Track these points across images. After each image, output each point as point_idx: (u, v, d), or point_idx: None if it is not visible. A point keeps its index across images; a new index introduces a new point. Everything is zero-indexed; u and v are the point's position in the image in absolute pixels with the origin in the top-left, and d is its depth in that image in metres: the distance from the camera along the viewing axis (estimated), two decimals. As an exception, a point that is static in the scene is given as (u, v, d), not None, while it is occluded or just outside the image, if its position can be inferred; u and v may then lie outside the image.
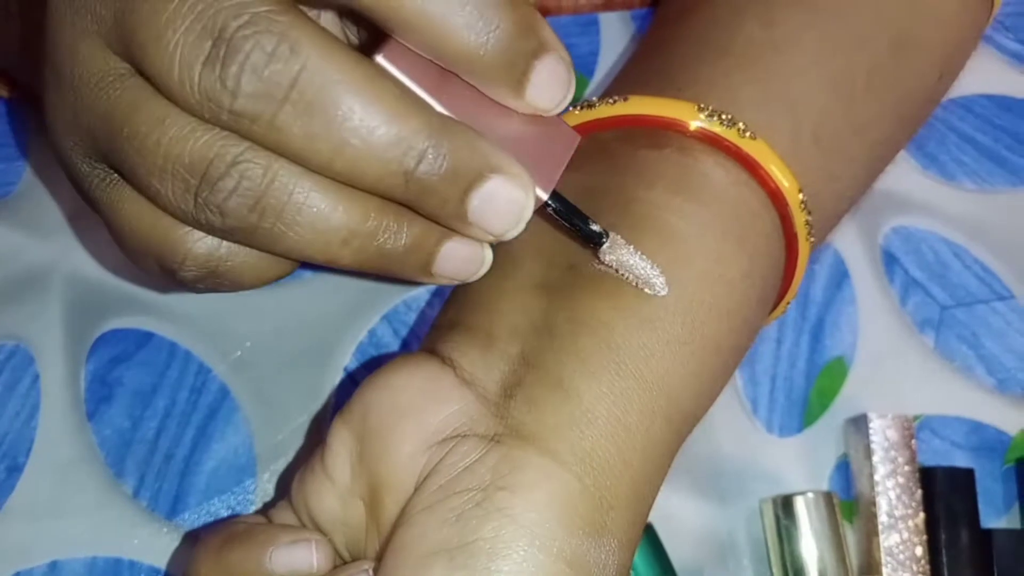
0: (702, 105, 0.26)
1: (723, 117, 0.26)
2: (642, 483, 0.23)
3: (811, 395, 0.36)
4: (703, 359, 0.25)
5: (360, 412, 0.23)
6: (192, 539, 0.32)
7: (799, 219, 0.27)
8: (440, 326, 0.26)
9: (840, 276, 0.38)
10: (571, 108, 0.29)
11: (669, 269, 0.24)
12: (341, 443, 0.24)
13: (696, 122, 0.26)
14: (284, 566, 0.23)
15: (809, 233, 0.28)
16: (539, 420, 0.22)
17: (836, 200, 0.30)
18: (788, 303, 0.30)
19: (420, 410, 0.23)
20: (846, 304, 0.37)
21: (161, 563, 0.32)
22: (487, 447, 0.22)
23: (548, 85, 0.21)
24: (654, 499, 0.24)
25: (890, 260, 0.38)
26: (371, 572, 0.22)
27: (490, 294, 0.25)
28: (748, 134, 0.26)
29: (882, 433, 0.34)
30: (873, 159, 0.31)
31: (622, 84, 0.31)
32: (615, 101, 0.28)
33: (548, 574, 0.20)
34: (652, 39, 0.33)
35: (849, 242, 0.38)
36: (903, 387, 0.36)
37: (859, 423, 0.34)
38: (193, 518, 0.32)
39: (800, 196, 0.27)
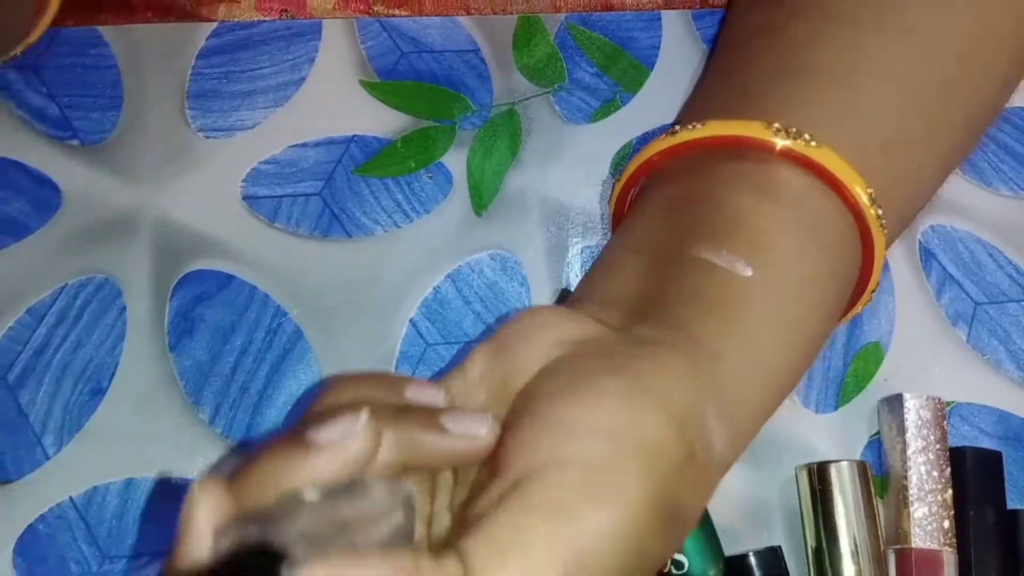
0: (768, 122, 0.29)
1: (790, 131, 0.29)
2: (732, 415, 0.26)
3: (847, 376, 0.38)
4: (786, 339, 0.28)
5: (501, 332, 0.27)
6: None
7: (869, 213, 0.29)
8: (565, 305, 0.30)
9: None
10: (657, 136, 0.32)
11: (757, 265, 0.27)
12: (478, 353, 0.26)
13: (766, 137, 0.29)
14: (416, 396, 0.25)
15: (881, 226, 0.30)
16: (666, 335, 0.26)
17: (908, 202, 0.33)
18: (873, 292, 0.32)
19: (556, 323, 0.26)
20: (885, 293, 0.39)
21: (233, 486, 0.34)
22: (619, 336, 0.26)
23: None
24: (739, 439, 0.27)
25: (927, 255, 0.40)
26: (491, 418, 0.25)
27: (605, 277, 0.30)
28: (813, 143, 0.29)
29: (916, 412, 0.35)
30: (944, 165, 0.34)
31: (702, 106, 0.33)
32: (694, 127, 0.30)
33: (688, 403, 0.24)
34: (725, 62, 0.35)
35: (889, 237, 0.40)
36: (935, 375, 0.38)
37: (894, 402, 0.36)
38: (263, 448, 0.34)
39: (868, 192, 0.29)
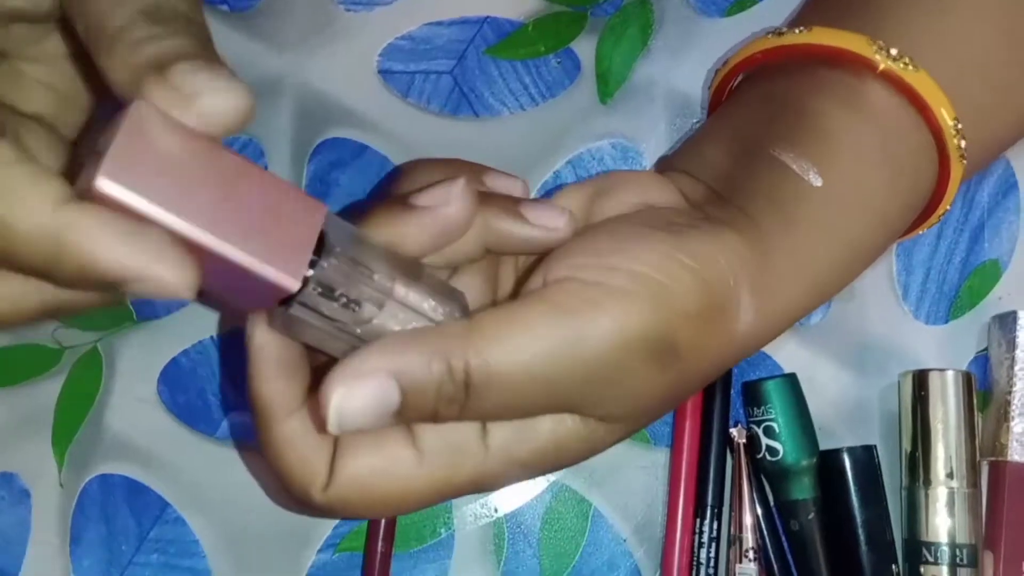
0: (872, 39, 0.30)
1: (891, 52, 0.30)
2: (768, 309, 0.28)
3: (962, 290, 0.38)
4: (839, 246, 0.29)
5: (594, 182, 0.29)
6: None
7: (951, 143, 0.30)
8: (659, 168, 0.32)
9: (1008, 186, 0.39)
10: (765, 33, 0.32)
11: (826, 173, 0.29)
12: (569, 193, 0.29)
13: (867, 54, 0.30)
14: (496, 184, 0.29)
15: (961, 156, 0.31)
16: (732, 218, 0.28)
17: (1006, 129, 0.33)
18: (940, 216, 0.33)
19: (646, 185, 0.28)
20: (1009, 213, 0.39)
21: (358, 339, 0.37)
22: (694, 210, 0.28)
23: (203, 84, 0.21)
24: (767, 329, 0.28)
25: (1060, 177, 0.39)
26: (568, 213, 0.27)
27: (698, 155, 0.31)
28: (911, 66, 0.30)
29: (1029, 330, 0.35)
30: None
31: (811, 15, 0.34)
32: (800, 31, 0.31)
33: (724, 273, 0.26)
34: None
35: (1021, 155, 0.39)
36: (1053, 298, 0.38)
37: (1006, 319, 0.36)
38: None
39: (954, 122, 0.30)
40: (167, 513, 0.36)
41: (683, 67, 0.39)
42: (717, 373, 0.28)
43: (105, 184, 0.20)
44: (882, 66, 0.30)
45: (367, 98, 0.39)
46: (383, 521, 0.35)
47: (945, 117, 0.30)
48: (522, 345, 0.24)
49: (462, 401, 0.24)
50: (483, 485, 0.26)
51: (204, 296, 0.24)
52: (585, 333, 0.24)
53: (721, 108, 0.34)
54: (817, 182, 0.28)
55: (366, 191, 0.38)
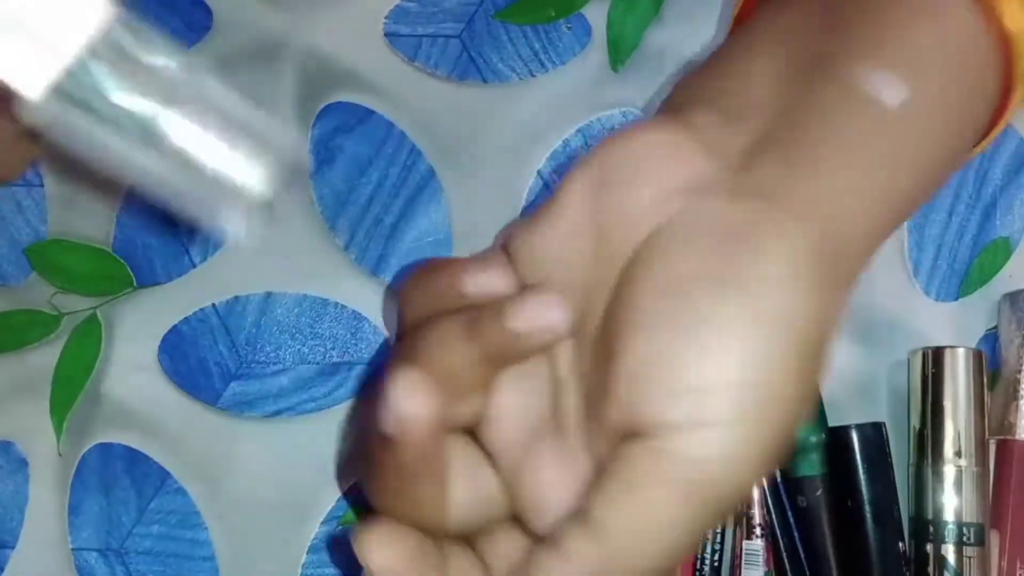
0: None
1: None
2: (853, 258, 0.24)
3: (972, 268, 0.38)
4: (903, 161, 0.25)
5: (600, 162, 0.24)
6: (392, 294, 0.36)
7: (1021, 65, 0.27)
8: (678, 99, 0.27)
9: (1021, 163, 0.39)
10: None
11: (906, 83, 0.25)
12: (576, 186, 0.24)
13: None
14: (477, 289, 0.25)
15: None
16: (784, 185, 0.23)
17: None
18: (992, 139, 0.29)
19: (669, 157, 0.24)
20: (1022, 190, 0.38)
21: (363, 309, 0.36)
22: (734, 199, 0.23)
23: None
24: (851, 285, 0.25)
25: (1074, 155, 0.39)
26: (561, 300, 0.23)
27: (733, 76, 0.26)
28: None
29: (1040, 308, 0.35)
30: None
31: None
32: None
33: (810, 302, 0.22)
34: None
35: (1036, 131, 0.39)
36: (1063, 277, 0.38)
37: (1016, 298, 0.36)
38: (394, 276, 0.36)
39: None
40: (168, 484, 0.35)
41: (696, 35, 0.39)
42: None
43: None
44: None
45: (373, 61, 0.38)
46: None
47: (1019, 35, 0.26)
48: (651, 531, 0.22)
49: None
50: None
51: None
52: (718, 485, 0.22)
53: (759, 13, 0.28)
54: (900, 98, 0.24)
55: (371, 158, 0.37)
